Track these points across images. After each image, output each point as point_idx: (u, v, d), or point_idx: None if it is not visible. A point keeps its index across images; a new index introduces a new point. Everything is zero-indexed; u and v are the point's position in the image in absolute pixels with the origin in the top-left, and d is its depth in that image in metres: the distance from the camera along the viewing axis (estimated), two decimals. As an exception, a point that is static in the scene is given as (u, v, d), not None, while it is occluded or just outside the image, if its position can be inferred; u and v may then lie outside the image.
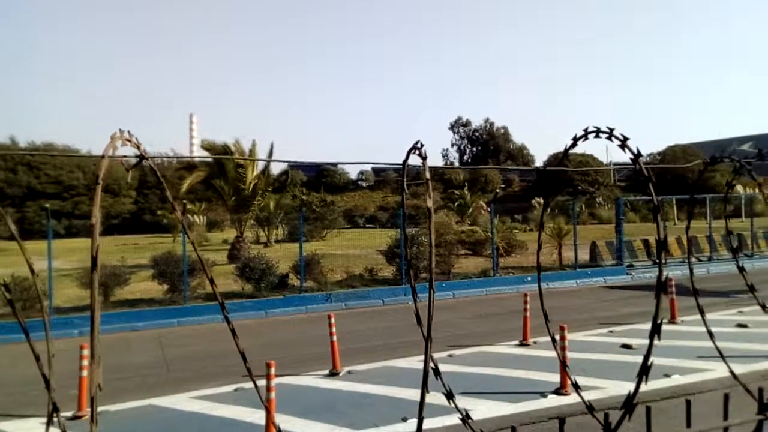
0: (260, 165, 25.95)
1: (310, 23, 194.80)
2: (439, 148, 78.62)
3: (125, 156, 1.34)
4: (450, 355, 10.06)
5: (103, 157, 1.13)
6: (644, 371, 1.30)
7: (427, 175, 1.53)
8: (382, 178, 63.30)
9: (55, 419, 1.34)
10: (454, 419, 6.39)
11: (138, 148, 1.28)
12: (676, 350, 9.21)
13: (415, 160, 1.85)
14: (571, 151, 2.40)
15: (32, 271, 1.40)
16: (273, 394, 6.58)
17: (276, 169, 28.26)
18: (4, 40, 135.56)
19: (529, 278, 18.76)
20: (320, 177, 60.14)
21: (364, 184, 63.08)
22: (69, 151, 47.31)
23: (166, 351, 11.79)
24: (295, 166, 48.02)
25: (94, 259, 0.98)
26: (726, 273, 19.85)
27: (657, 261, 15.21)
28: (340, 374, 9.16)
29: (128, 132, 1.20)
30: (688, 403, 1.50)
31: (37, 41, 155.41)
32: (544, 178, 51.30)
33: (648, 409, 1.43)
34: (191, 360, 11.08)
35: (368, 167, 64.46)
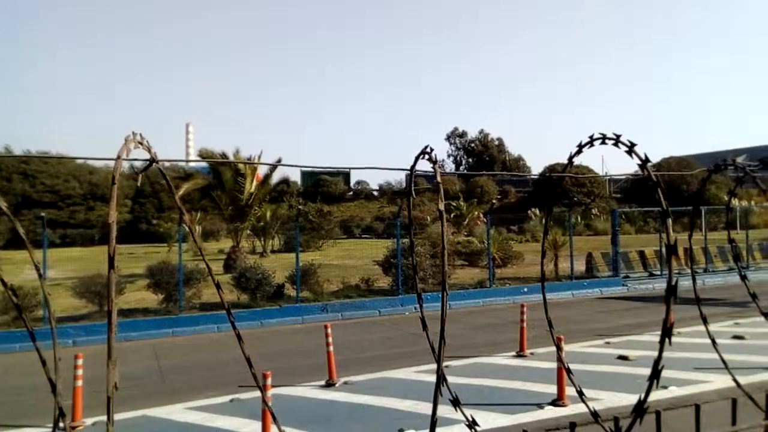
0: (261, 176, 25.98)
1: (308, 35, 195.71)
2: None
3: (135, 159, 1.35)
4: (447, 366, 10.02)
5: (118, 158, 1.13)
6: (655, 375, 1.30)
7: (438, 178, 1.54)
8: (377, 188, 63.41)
9: (61, 425, 1.33)
10: (456, 430, 6.38)
11: (149, 151, 1.28)
12: (673, 361, 9.19)
13: (417, 169, 1.85)
14: (573, 159, 2.41)
15: (41, 275, 1.39)
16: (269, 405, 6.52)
17: (273, 178, 28.22)
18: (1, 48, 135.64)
19: (525, 289, 18.75)
20: (316, 187, 60.16)
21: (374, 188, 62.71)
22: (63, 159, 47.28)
23: (160, 361, 11.71)
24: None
25: (111, 258, 0.98)
26: (721, 284, 19.90)
27: (653, 273, 15.23)
28: (337, 385, 9.11)
29: (140, 135, 1.20)
30: (697, 408, 1.50)
31: (33, 49, 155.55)
32: (542, 189, 51.46)
33: (658, 414, 1.43)
34: (186, 370, 11.00)
35: (365, 177, 64.61)
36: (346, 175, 63.19)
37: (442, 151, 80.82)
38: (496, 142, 75.55)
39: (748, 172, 1.93)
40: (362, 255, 23.70)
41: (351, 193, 63.19)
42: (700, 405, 1.54)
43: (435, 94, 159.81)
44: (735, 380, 2.15)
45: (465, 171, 75.67)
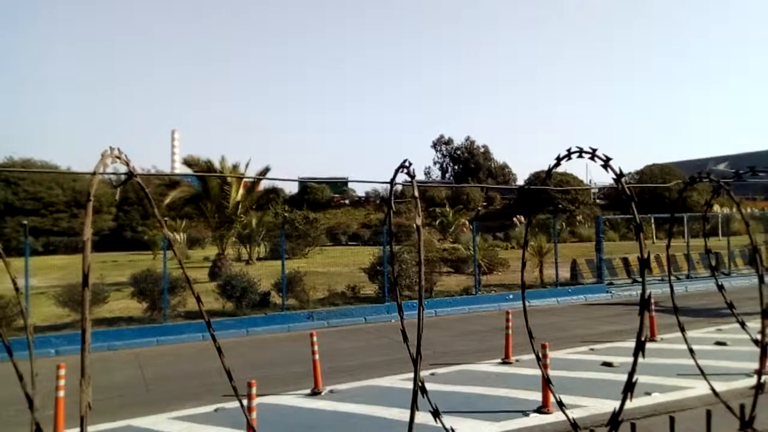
0: (249, 183, 25.89)
1: (293, 43, 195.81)
2: (422, 166, 79.32)
3: (114, 173, 1.34)
4: (432, 374, 10.02)
5: (94, 174, 1.12)
6: (629, 388, 1.31)
7: (416, 193, 1.55)
8: (363, 196, 63.44)
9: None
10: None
11: (127, 165, 1.27)
12: (656, 368, 9.29)
13: (399, 179, 1.86)
14: (552, 170, 2.44)
15: (17, 288, 1.37)
16: (254, 414, 6.49)
17: (260, 186, 28.15)
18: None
19: (511, 296, 18.81)
20: (303, 194, 60.04)
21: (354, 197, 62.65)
22: (47, 167, 46.75)
23: (144, 370, 11.59)
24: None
25: (85, 276, 0.97)
26: (704, 291, 20.11)
27: (636, 279, 15.32)
28: (323, 393, 9.07)
29: (118, 149, 1.20)
30: (672, 419, 1.52)
31: (16, 56, 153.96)
32: (526, 197, 51.78)
33: (633, 426, 1.45)
34: (171, 379, 10.89)
35: (350, 184, 64.66)
36: (342, 182, 63.12)
37: (428, 158, 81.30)
38: (482, 150, 75.95)
39: (722, 185, 1.96)
40: (348, 262, 23.66)
41: (346, 201, 63.08)
42: (674, 417, 1.56)
43: (421, 100, 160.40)
44: (713, 390, 2.18)
45: (451, 178, 75.93)
